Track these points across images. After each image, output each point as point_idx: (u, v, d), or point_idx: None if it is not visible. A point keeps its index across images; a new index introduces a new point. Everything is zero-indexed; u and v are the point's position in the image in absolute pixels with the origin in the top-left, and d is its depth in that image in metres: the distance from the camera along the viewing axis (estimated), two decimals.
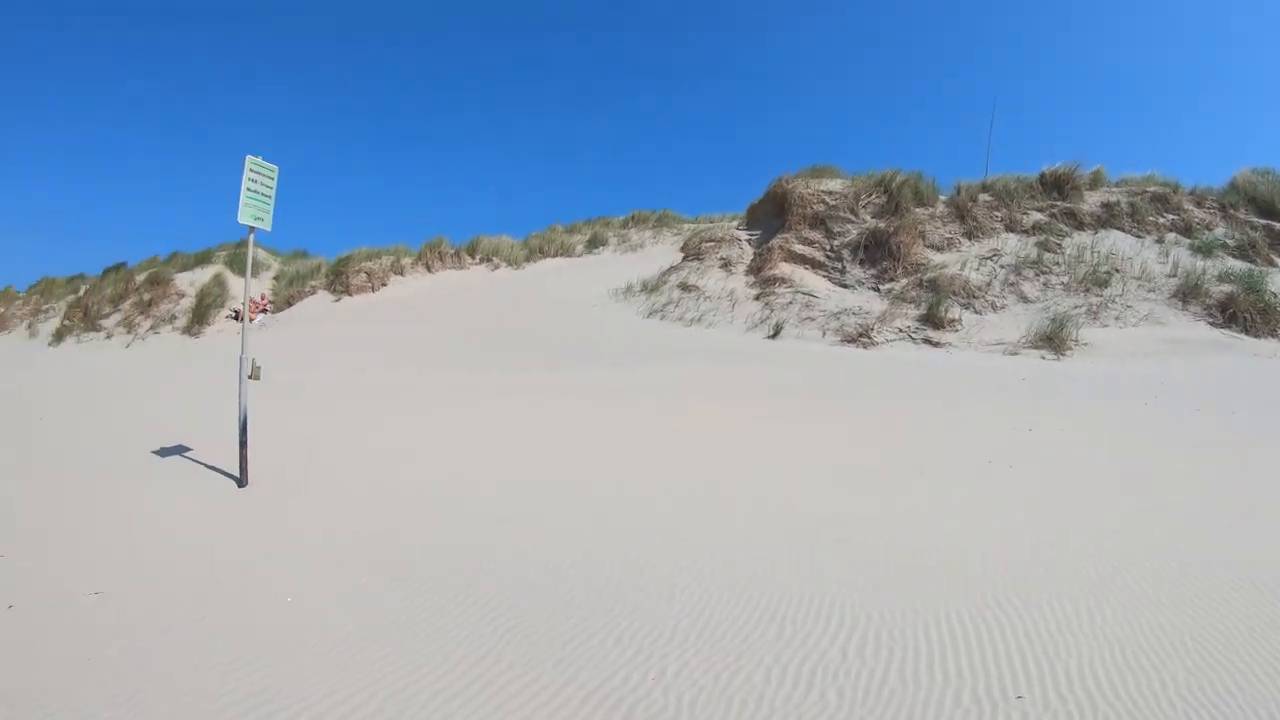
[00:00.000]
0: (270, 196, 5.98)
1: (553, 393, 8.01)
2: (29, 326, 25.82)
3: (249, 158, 5.85)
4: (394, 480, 5.34)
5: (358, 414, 7.89)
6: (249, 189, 5.80)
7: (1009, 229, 12.40)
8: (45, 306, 25.89)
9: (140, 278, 21.39)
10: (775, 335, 10.46)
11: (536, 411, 7.26)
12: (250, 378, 10.31)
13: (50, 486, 5.84)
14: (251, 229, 5.73)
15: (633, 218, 21.01)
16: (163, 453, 6.83)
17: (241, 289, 17.65)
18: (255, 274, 18.83)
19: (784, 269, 12.25)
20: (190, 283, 19.77)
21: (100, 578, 3.70)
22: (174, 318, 19.77)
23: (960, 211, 12.81)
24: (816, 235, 12.88)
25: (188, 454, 6.76)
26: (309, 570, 3.70)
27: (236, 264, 19.01)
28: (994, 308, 10.50)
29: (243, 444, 5.82)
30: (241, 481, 5.84)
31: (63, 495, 5.57)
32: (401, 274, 16.30)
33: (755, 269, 12.79)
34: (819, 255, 12.56)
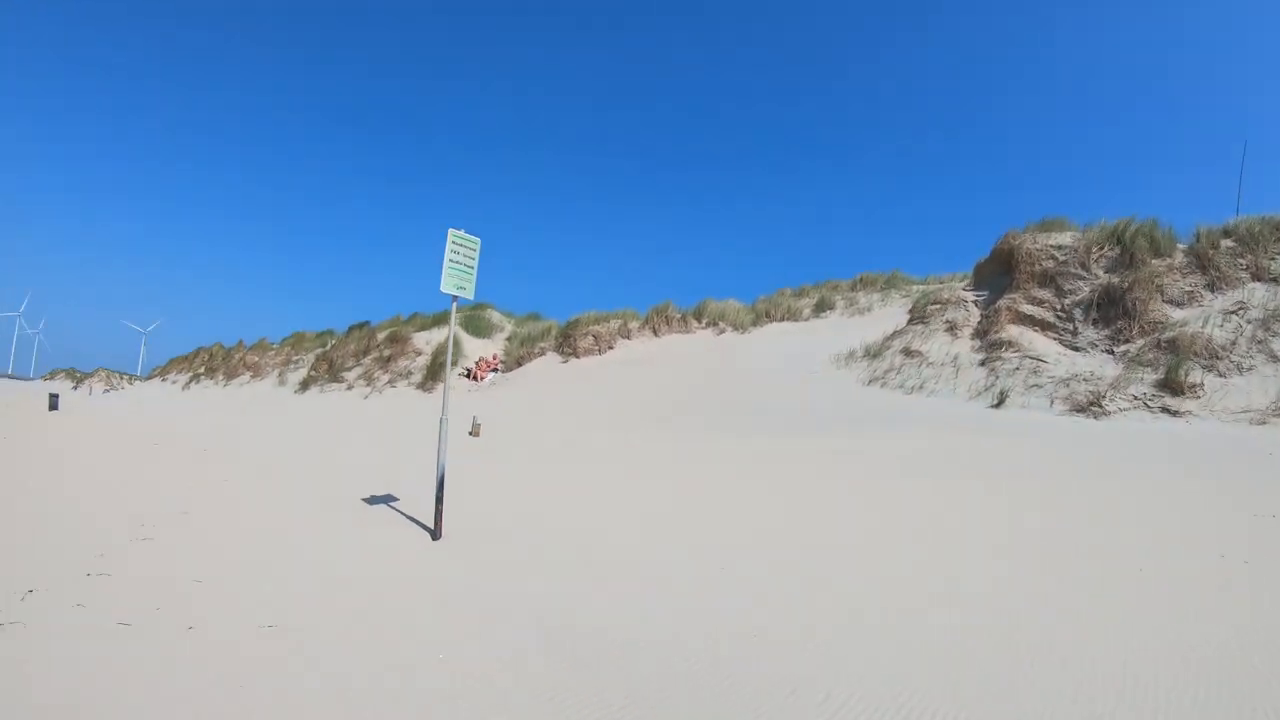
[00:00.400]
0: (472, 267, 7.16)
1: (755, 460, 8.88)
2: (279, 375, 32.04)
3: (451, 231, 7.02)
4: (581, 546, 6.05)
5: (566, 475, 9.12)
6: (451, 260, 6.94)
7: (1255, 278, 12.61)
8: (295, 358, 32.09)
9: (381, 335, 26.14)
10: (999, 404, 11.72)
11: (734, 480, 8.07)
12: (470, 434, 12.99)
13: (265, 522, 7.22)
14: (454, 297, 6.92)
15: (860, 280, 22.36)
16: (371, 500, 8.22)
17: (476, 349, 21.40)
18: (490, 335, 22.75)
19: (1011, 331, 13.38)
20: (427, 342, 24.04)
21: (279, 611, 4.54)
22: (410, 373, 23.88)
23: (1201, 261, 13.20)
24: (1046, 294, 13.88)
25: (393, 503, 8.08)
26: (473, 629, 4.29)
27: (471, 326, 23.05)
28: (1240, 370, 10.94)
29: (439, 499, 6.88)
30: (435, 534, 6.85)
31: (272, 531, 6.91)
32: (628, 337, 19.24)
33: (981, 332, 13.96)
34: (1048, 315, 13.58)
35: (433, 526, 6.86)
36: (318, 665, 3.81)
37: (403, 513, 7.66)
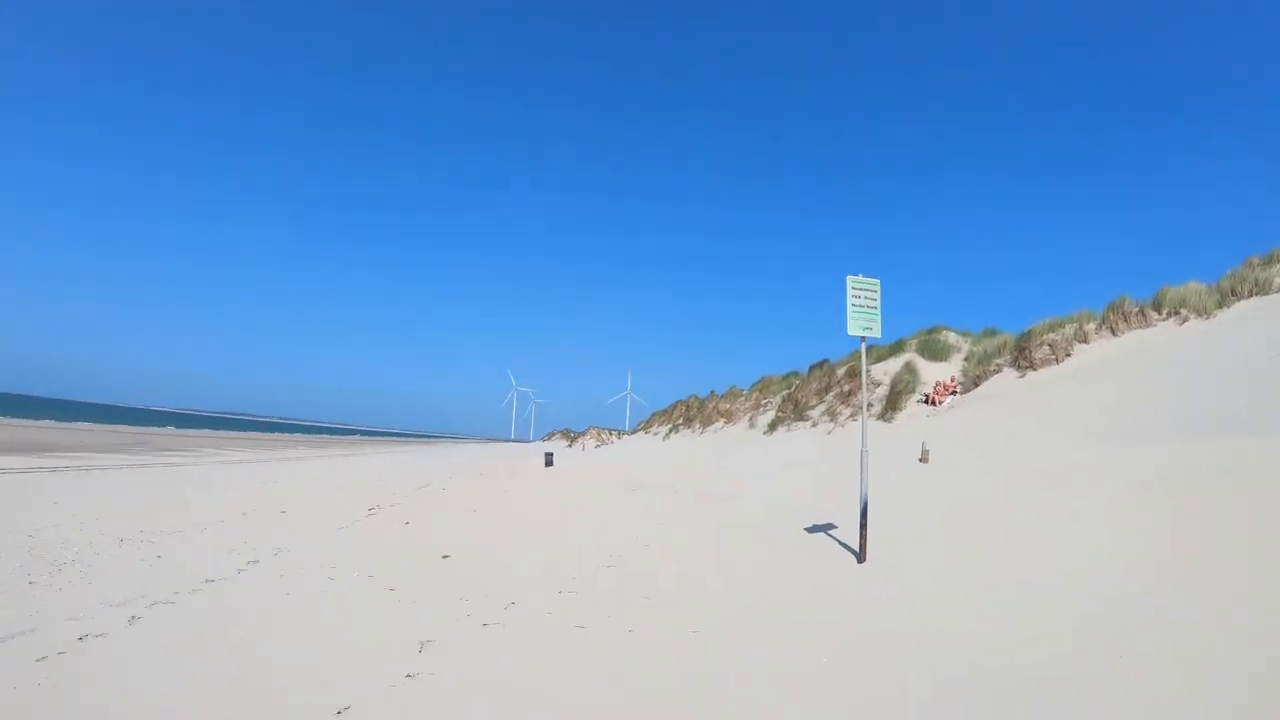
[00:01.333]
0: (875, 308, 8.84)
1: (1192, 476, 8.97)
2: (750, 419, 40.18)
3: (850, 277, 8.79)
4: (1002, 580, 7.07)
5: (1010, 502, 10.09)
6: (854, 304, 8.71)
7: None
8: (763, 401, 40.07)
9: (840, 371, 32.16)
10: None
11: (1177, 511, 8.15)
12: (920, 461, 16.62)
13: (711, 548, 10.18)
14: (863, 338, 8.95)
15: None
16: (812, 529, 10.51)
17: (933, 373, 26.09)
18: (947, 357, 27.44)
19: None
20: (884, 372, 29.34)
21: (704, 620, 6.88)
22: (870, 405, 28.57)
23: None
24: None
25: (831, 531, 10.28)
26: (865, 651, 5.68)
27: (927, 350, 27.95)
28: None
29: (863, 525, 8.50)
30: (860, 558, 8.36)
31: (714, 555, 9.65)
32: (1085, 341, 21.79)
33: None
34: None
35: (859, 550, 8.65)
36: (728, 663, 5.85)
37: (836, 539, 9.88)
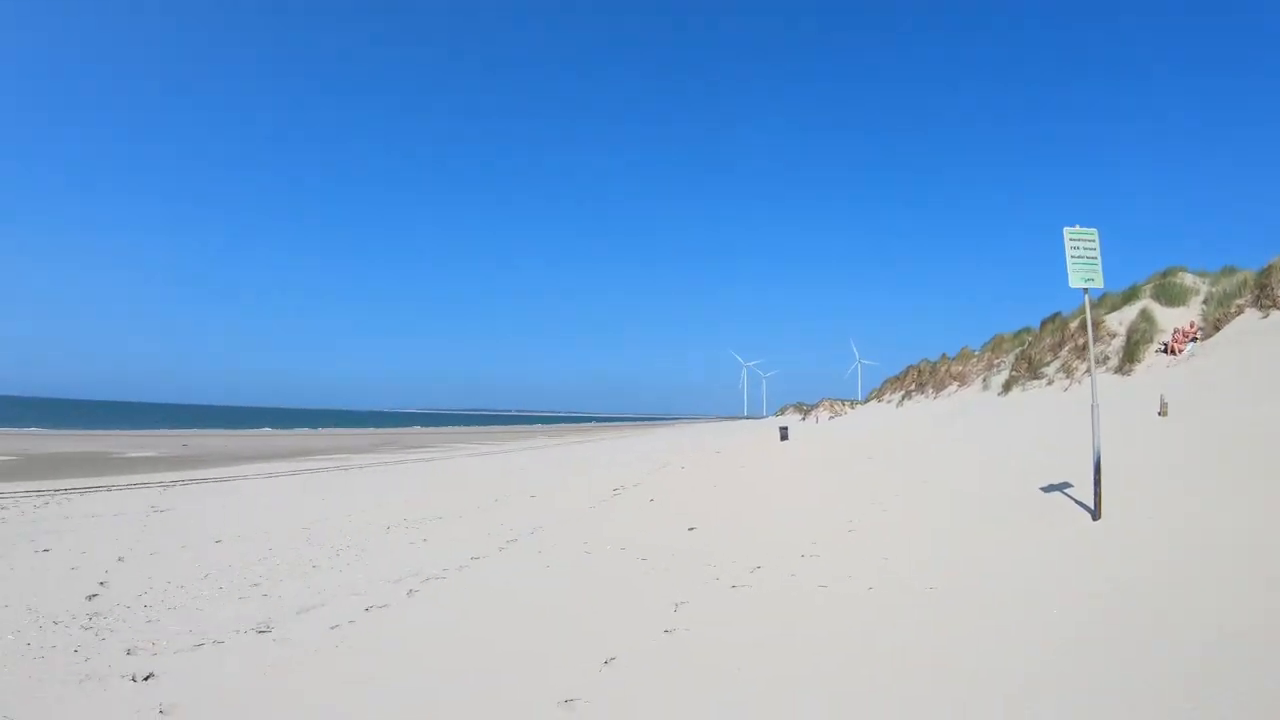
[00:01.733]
0: (1095, 258, 8.92)
1: None
2: (983, 380, 39.86)
3: (1066, 229, 8.87)
4: (1243, 545, 6.84)
5: (1248, 460, 9.71)
6: (1073, 256, 8.87)
7: None
8: (996, 361, 39.83)
9: (1073, 324, 31.55)
10: None
11: None
12: (1160, 414, 16.32)
13: (944, 516, 10.53)
14: (1085, 290, 9.21)
15: None
16: (1048, 488, 10.86)
17: (1170, 319, 25.69)
18: (1185, 301, 26.36)
19: None
20: (1119, 321, 28.59)
21: (940, 578, 7.30)
22: (1106, 358, 27.41)
23: None
24: None
25: (1066, 489, 10.52)
26: (1092, 609, 5.90)
27: (1164, 294, 27.27)
28: None
29: (1096, 482, 8.63)
30: (1095, 515, 8.54)
31: (944, 522, 10.04)
32: None
33: None
34: None
35: (1093, 508, 8.71)
36: (959, 620, 6.35)
37: (1071, 497, 10.12)
